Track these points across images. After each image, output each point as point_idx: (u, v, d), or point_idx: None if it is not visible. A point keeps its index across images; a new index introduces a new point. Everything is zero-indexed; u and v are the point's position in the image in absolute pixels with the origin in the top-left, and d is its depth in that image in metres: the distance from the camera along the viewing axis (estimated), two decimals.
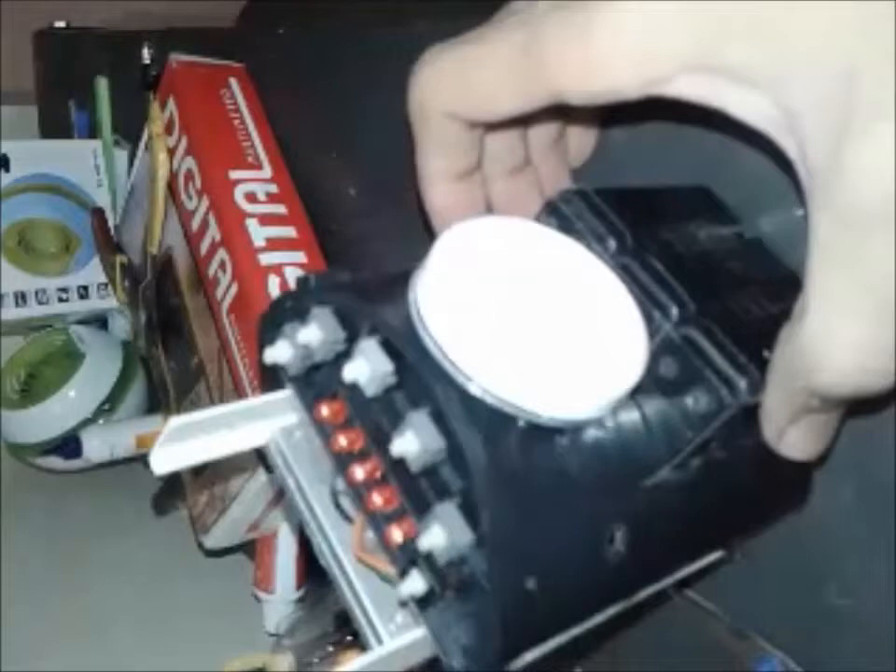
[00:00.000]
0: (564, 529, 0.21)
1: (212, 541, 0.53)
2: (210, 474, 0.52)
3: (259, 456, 0.45)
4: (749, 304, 0.25)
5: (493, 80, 0.24)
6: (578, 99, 0.23)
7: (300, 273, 0.47)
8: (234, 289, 0.47)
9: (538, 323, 0.21)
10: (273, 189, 0.49)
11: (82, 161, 0.69)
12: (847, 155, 0.18)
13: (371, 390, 0.21)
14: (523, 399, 0.20)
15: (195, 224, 0.50)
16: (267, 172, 0.50)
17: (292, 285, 0.47)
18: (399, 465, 0.21)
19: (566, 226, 0.25)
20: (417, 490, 0.21)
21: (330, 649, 0.40)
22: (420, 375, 0.20)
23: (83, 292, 0.69)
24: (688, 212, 0.28)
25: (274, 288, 0.46)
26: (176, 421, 0.22)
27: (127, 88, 0.71)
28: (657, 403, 0.23)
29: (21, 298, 0.66)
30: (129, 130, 0.71)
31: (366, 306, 0.22)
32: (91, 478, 0.74)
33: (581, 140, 0.31)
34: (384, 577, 0.23)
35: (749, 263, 0.28)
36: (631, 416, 0.23)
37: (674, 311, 0.23)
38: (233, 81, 0.52)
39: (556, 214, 0.26)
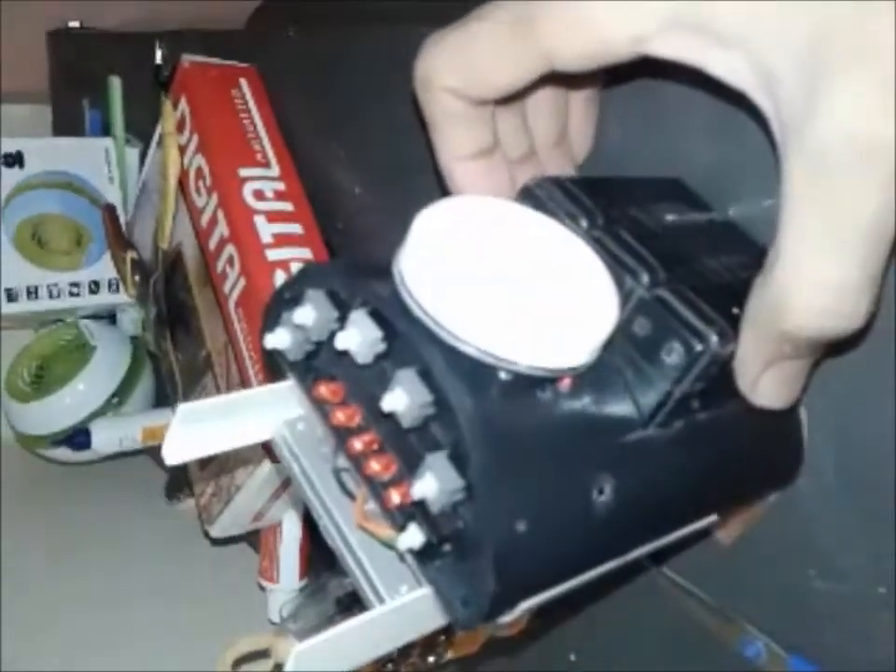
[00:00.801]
0: (550, 475, 0.22)
1: (217, 531, 0.55)
2: (216, 466, 0.53)
3: (266, 449, 0.47)
4: (717, 269, 0.27)
5: (489, 53, 0.25)
6: (570, 62, 0.24)
7: None
8: (242, 284, 0.48)
9: (514, 284, 0.22)
10: (281, 186, 0.51)
11: (94, 159, 0.70)
12: (819, 107, 0.19)
13: (362, 357, 0.22)
14: (502, 350, 0.21)
15: (204, 220, 0.51)
16: (275, 170, 0.51)
17: None
18: (394, 432, 0.22)
19: (540, 207, 0.26)
20: (412, 452, 0.22)
21: None
22: (405, 336, 0.22)
23: (94, 287, 0.70)
24: (659, 197, 0.30)
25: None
26: (185, 407, 0.23)
27: (139, 87, 0.72)
28: (633, 359, 0.25)
29: (33, 292, 0.68)
30: (140, 128, 0.72)
31: (355, 282, 0.24)
32: (99, 469, 0.76)
33: (581, 137, 0.32)
34: (386, 543, 0.24)
35: (719, 239, 0.29)
36: (609, 371, 0.24)
37: (644, 276, 0.25)
38: (244, 82, 0.53)
39: (531, 197, 0.27)
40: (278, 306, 0.25)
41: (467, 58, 0.26)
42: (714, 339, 0.23)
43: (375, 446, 0.23)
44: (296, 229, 0.49)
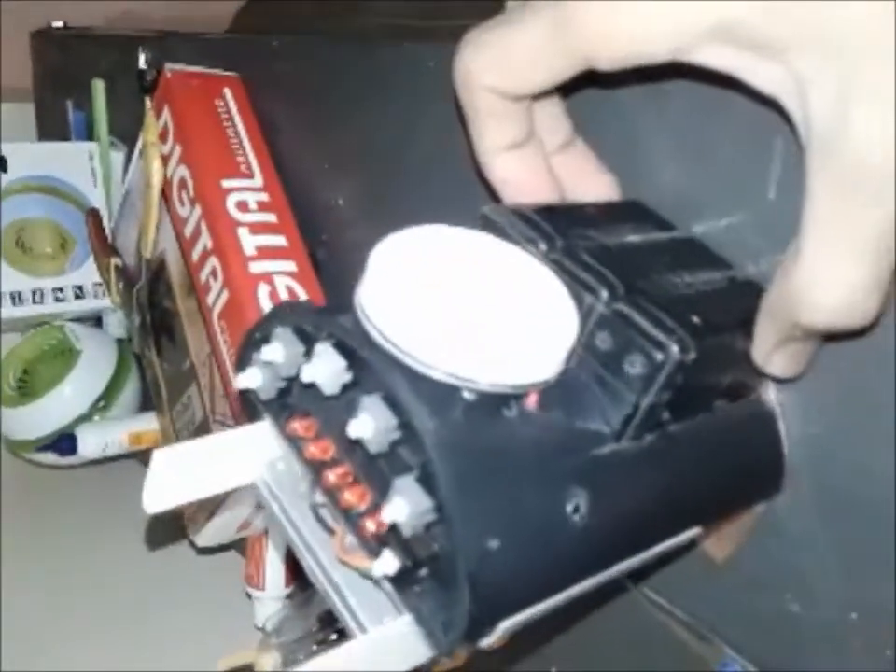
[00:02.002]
0: (521, 491, 0.22)
1: (204, 540, 0.55)
2: None
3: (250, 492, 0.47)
4: (677, 283, 0.27)
5: (527, 52, 0.26)
6: (608, 63, 0.25)
7: (289, 281, 0.48)
8: (225, 296, 0.48)
9: (472, 307, 0.23)
10: (265, 198, 0.50)
11: (79, 163, 0.70)
12: (852, 122, 0.20)
13: (328, 388, 0.23)
14: (463, 370, 0.22)
15: (188, 231, 0.51)
16: (258, 181, 0.51)
17: (282, 293, 0.48)
18: (366, 461, 0.23)
19: (499, 234, 0.27)
20: (384, 480, 0.23)
21: (315, 648, 0.42)
22: (369, 364, 0.22)
23: (79, 292, 0.70)
24: (619, 219, 0.30)
25: (265, 296, 0.47)
26: (162, 454, 0.23)
27: (124, 90, 0.72)
28: (599, 374, 0.25)
29: (17, 298, 0.67)
30: (125, 131, 0.72)
31: (319, 316, 0.24)
32: (84, 473, 0.76)
33: None
34: (366, 574, 0.24)
35: (680, 255, 0.30)
36: (576, 388, 0.25)
37: (603, 292, 0.25)
38: (227, 91, 0.53)
39: (489, 223, 0.27)
40: (249, 347, 0.26)
41: (505, 57, 0.27)
42: (674, 348, 0.24)
43: (349, 478, 0.24)
44: (280, 241, 0.49)
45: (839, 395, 0.29)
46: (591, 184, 0.32)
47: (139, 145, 0.57)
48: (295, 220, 0.50)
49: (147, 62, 0.63)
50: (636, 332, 0.24)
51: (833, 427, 0.29)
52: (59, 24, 0.80)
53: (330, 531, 0.25)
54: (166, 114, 0.52)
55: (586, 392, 0.25)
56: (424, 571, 0.22)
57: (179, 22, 0.78)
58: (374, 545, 0.23)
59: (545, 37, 0.26)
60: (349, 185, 0.48)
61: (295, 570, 0.57)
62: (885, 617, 0.28)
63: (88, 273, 0.70)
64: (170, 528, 0.65)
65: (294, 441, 0.25)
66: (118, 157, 0.71)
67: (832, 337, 0.26)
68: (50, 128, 0.80)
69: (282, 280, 0.48)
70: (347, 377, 0.23)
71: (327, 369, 0.23)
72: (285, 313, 0.25)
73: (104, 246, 0.66)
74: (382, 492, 0.23)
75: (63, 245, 0.70)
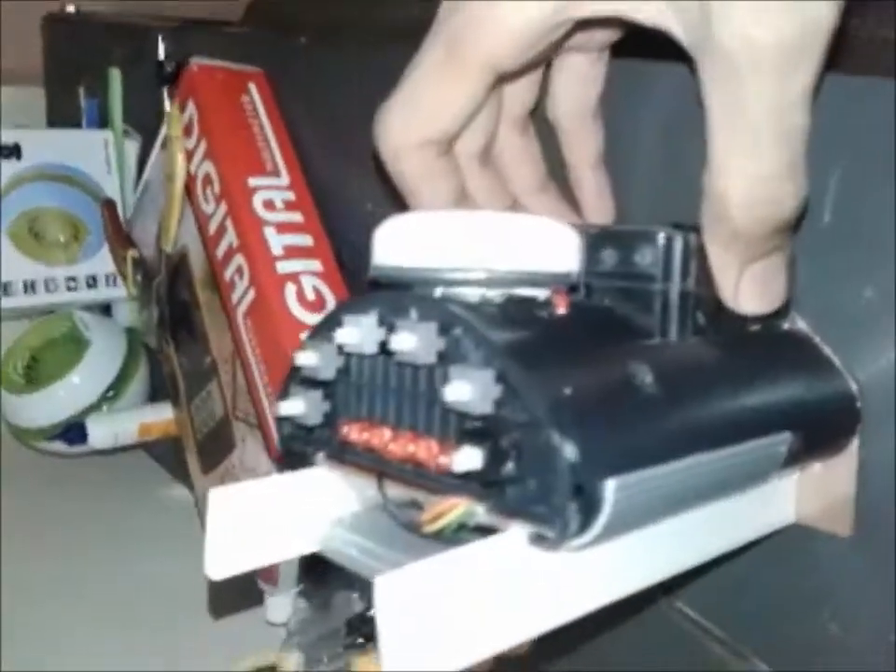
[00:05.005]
0: (581, 357, 0.24)
1: None
2: (222, 470, 0.53)
3: (273, 459, 0.47)
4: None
5: (436, 87, 0.28)
6: (508, 59, 0.27)
7: (316, 281, 0.48)
8: (251, 296, 0.48)
9: (481, 227, 0.25)
10: (291, 196, 0.50)
11: (92, 151, 0.69)
12: (719, 18, 0.22)
13: (367, 347, 0.24)
14: (487, 263, 0.24)
15: (212, 227, 0.51)
16: (284, 180, 0.51)
17: (309, 293, 0.48)
18: (424, 416, 0.24)
19: None
20: (445, 420, 0.23)
21: (340, 650, 0.42)
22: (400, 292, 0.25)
23: (91, 281, 0.70)
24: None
25: (292, 296, 0.47)
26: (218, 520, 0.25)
27: (137, 78, 0.71)
28: (619, 288, 0.27)
29: (30, 286, 0.67)
30: (139, 120, 0.71)
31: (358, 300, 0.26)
32: (94, 462, 0.75)
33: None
34: (462, 525, 0.23)
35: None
36: (602, 311, 0.27)
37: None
38: (253, 87, 0.52)
39: None
40: (291, 377, 0.27)
41: (419, 103, 0.28)
42: (674, 230, 0.26)
43: (411, 438, 0.24)
44: (306, 240, 0.49)
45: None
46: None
47: (160, 137, 0.57)
48: (321, 221, 0.50)
49: (165, 52, 0.63)
50: (636, 235, 0.26)
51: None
52: (72, 9, 0.79)
53: (410, 527, 0.25)
54: (191, 108, 0.52)
55: (614, 313, 0.27)
56: (509, 466, 0.21)
57: (189, 8, 0.78)
58: (454, 479, 0.22)
59: (445, 65, 0.27)
60: (378, 190, 0.48)
61: (309, 568, 0.57)
62: None
63: (101, 263, 0.69)
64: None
65: (350, 452, 0.26)
66: (132, 146, 0.70)
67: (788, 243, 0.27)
68: (61, 114, 0.79)
69: (308, 280, 0.48)
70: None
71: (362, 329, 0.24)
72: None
73: (120, 237, 0.65)
74: (445, 426, 0.23)
75: (77, 234, 0.69)
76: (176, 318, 0.58)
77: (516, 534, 0.22)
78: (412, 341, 0.22)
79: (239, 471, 0.51)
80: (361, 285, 0.48)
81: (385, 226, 0.26)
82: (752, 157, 0.23)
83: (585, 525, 0.21)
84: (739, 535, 0.29)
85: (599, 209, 0.34)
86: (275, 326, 0.46)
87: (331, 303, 0.48)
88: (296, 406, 0.27)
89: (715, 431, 0.25)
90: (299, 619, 0.46)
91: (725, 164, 0.24)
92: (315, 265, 0.49)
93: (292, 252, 0.48)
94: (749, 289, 0.27)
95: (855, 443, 0.30)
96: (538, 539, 0.22)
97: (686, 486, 0.24)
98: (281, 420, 0.28)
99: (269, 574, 0.58)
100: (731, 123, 0.23)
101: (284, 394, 0.28)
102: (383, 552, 0.25)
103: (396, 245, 0.25)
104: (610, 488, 0.21)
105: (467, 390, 0.21)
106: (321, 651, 0.43)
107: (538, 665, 0.39)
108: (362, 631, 0.41)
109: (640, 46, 0.33)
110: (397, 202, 0.47)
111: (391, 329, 0.24)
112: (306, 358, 0.26)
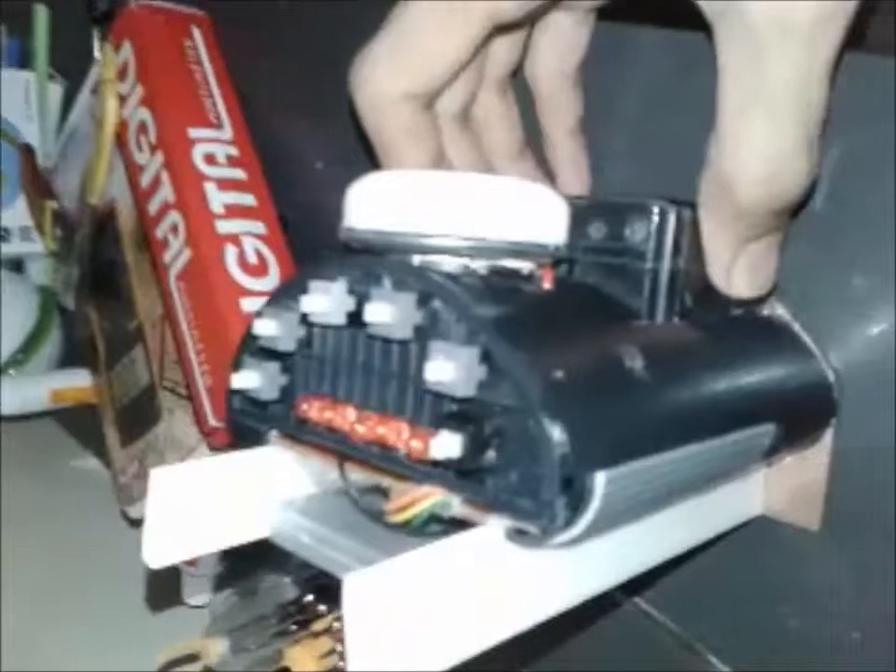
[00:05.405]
0: (569, 335, 0.22)
1: (138, 513, 0.51)
2: (142, 444, 0.49)
3: (204, 432, 0.43)
4: None
5: (433, 32, 0.26)
6: (513, 10, 0.26)
7: (258, 244, 0.45)
8: (186, 256, 0.44)
9: (462, 185, 0.22)
10: (234, 152, 0.47)
11: (11, 93, 0.64)
12: None
13: (335, 317, 0.22)
14: (471, 230, 0.22)
15: (145, 180, 0.47)
16: (227, 133, 0.47)
17: (251, 256, 0.45)
18: (396, 394, 0.22)
19: None
20: (417, 396, 0.21)
21: (269, 637, 0.39)
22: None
23: (4, 234, 0.64)
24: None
25: (231, 259, 0.43)
26: (158, 496, 0.22)
27: (63, 17, 0.66)
28: (607, 264, 0.25)
29: None
30: (64, 62, 0.66)
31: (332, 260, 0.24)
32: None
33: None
34: (432, 517, 0.21)
35: None
36: (588, 288, 0.25)
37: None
38: (196, 32, 0.49)
39: None
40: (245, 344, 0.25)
41: (410, 52, 0.26)
42: (666, 203, 0.24)
43: (378, 419, 0.21)
44: (249, 200, 0.46)
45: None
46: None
47: (89, 80, 0.53)
48: (265, 179, 0.47)
49: None
50: (627, 207, 0.25)
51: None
52: None
53: (374, 515, 0.23)
54: (127, 50, 0.48)
55: (602, 287, 0.25)
56: (490, 454, 0.19)
57: None
58: (427, 465, 0.20)
59: (444, 12, 0.26)
60: (329, 147, 0.45)
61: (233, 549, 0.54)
62: (890, 638, 0.28)
63: (15, 215, 0.64)
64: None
65: (308, 432, 0.23)
66: (55, 89, 0.65)
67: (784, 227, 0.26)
68: None
69: (251, 242, 0.44)
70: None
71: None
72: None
73: (37, 186, 0.60)
74: (419, 407, 0.21)
75: None
76: (99, 278, 0.54)
77: (494, 528, 0.20)
78: (387, 312, 0.20)
79: (163, 445, 0.47)
80: (306, 250, 0.46)
81: (360, 184, 0.24)
82: (769, 130, 0.22)
83: (571, 520, 0.19)
84: (709, 528, 0.28)
85: (574, 179, 0.32)
86: (212, 290, 0.43)
87: (274, 269, 0.45)
88: (250, 379, 0.24)
89: (703, 421, 0.24)
90: (223, 603, 0.43)
91: (737, 136, 0.22)
92: (258, 227, 0.45)
93: (234, 211, 0.45)
94: (742, 271, 0.25)
95: (829, 436, 0.29)
96: (516, 535, 0.20)
97: (673, 480, 0.23)
98: (232, 393, 0.26)
99: None
100: (748, 92, 0.22)
101: (236, 365, 0.25)
102: (340, 540, 0.23)
103: (371, 205, 0.23)
104: (601, 481, 0.19)
105: (449, 369, 0.19)
106: (248, 637, 0.40)
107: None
108: (295, 618, 0.38)
109: (626, 10, 0.32)
110: (353, 161, 0.44)
111: (362, 298, 0.22)
112: (264, 327, 0.24)
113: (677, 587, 0.33)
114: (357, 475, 0.24)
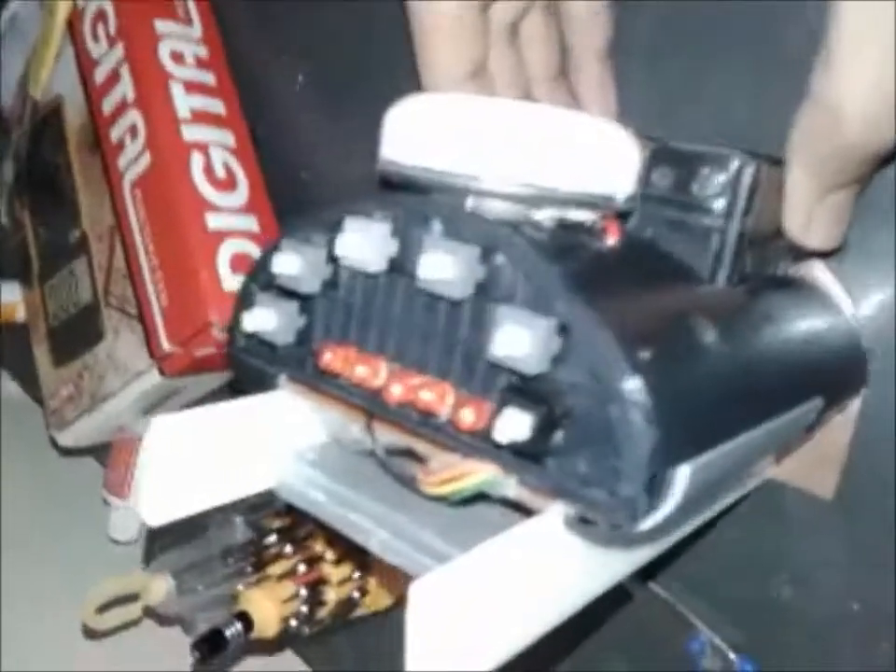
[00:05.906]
0: (647, 303, 0.20)
1: (69, 439, 0.47)
2: (80, 367, 0.45)
3: (156, 357, 0.40)
4: None
5: None
6: None
7: (226, 156, 0.41)
8: (146, 161, 0.40)
9: (525, 131, 0.19)
10: (203, 52, 0.43)
11: None
12: None
13: (374, 264, 0.19)
14: (540, 178, 0.19)
15: (100, 75, 0.43)
16: (197, 31, 0.43)
17: (218, 169, 0.41)
18: (441, 352, 0.19)
19: None
20: (471, 359, 0.18)
21: (219, 577, 0.37)
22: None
23: None
24: None
25: (197, 168, 0.40)
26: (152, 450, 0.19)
27: None
28: (669, 218, 0.23)
29: None
30: None
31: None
32: None
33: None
34: (475, 493, 0.19)
35: None
36: (652, 244, 0.23)
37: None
38: None
39: None
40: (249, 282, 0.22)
41: None
42: (746, 155, 0.22)
43: (419, 381, 0.19)
44: (218, 107, 0.42)
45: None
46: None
47: None
48: (236, 88, 0.43)
49: None
50: (696, 155, 0.22)
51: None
52: None
53: (405, 480, 0.20)
54: None
55: (660, 243, 0.23)
56: (558, 436, 0.17)
57: None
58: (477, 438, 0.18)
59: None
60: (313, 62, 0.41)
61: None
62: (888, 610, 0.27)
63: None
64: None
65: (329, 382, 0.20)
66: None
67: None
68: None
69: (218, 153, 0.41)
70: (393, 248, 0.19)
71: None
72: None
73: None
74: (468, 372, 0.18)
75: None
76: (38, 180, 0.49)
77: (554, 516, 0.18)
78: (447, 267, 0.17)
79: (104, 367, 0.43)
80: (278, 170, 0.42)
81: (404, 106, 0.20)
82: (885, 68, 0.20)
83: (646, 515, 0.17)
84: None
85: (600, 103, 0.30)
86: (174, 200, 0.39)
87: (243, 184, 0.41)
88: (265, 319, 0.21)
89: (773, 400, 0.22)
90: (160, 539, 0.40)
91: (850, 73, 0.20)
92: (227, 137, 0.41)
93: (201, 117, 0.41)
94: (822, 221, 0.23)
95: (856, 406, 0.28)
96: (578, 525, 0.17)
97: (741, 464, 0.21)
98: (235, 329, 0.22)
99: (117, 484, 0.51)
100: (864, 27, 0.20)
101: (248, 301, 0.22)
102: (362, 501, 0.20)
103: (418, 134, 0.20)
104: (684, 474, 0.17)
105: (522, 343, 0.16)
106: (195, 578, 0.37)
107: None
108: (251, 560, 0.36)
109: None
110: (336, 75, 0.41)
111: (406, 242, 0.19)
112: (285, 264, 0.20)
113: (679, 560, 0.31)
114: (386, 436, 0.21)
